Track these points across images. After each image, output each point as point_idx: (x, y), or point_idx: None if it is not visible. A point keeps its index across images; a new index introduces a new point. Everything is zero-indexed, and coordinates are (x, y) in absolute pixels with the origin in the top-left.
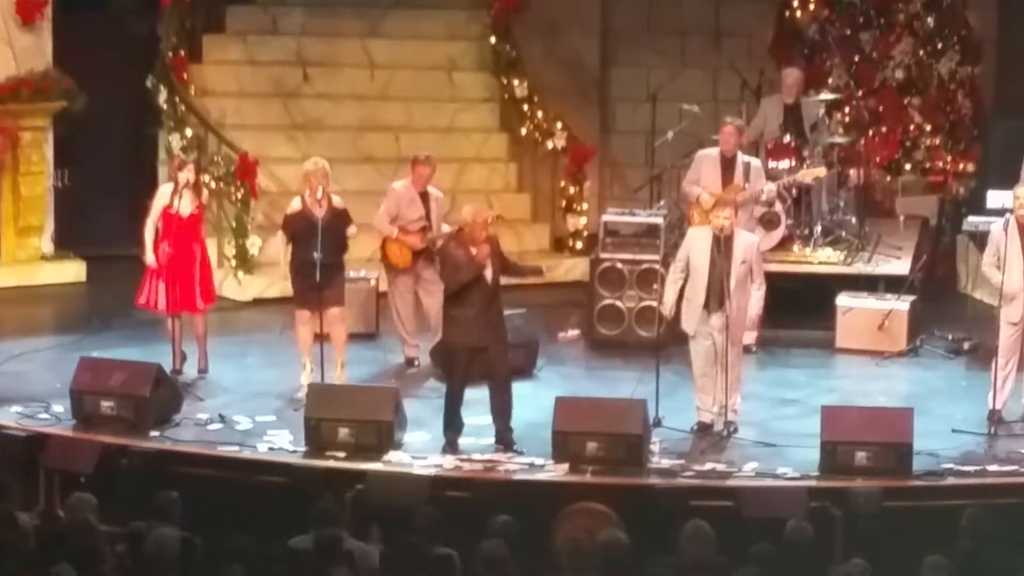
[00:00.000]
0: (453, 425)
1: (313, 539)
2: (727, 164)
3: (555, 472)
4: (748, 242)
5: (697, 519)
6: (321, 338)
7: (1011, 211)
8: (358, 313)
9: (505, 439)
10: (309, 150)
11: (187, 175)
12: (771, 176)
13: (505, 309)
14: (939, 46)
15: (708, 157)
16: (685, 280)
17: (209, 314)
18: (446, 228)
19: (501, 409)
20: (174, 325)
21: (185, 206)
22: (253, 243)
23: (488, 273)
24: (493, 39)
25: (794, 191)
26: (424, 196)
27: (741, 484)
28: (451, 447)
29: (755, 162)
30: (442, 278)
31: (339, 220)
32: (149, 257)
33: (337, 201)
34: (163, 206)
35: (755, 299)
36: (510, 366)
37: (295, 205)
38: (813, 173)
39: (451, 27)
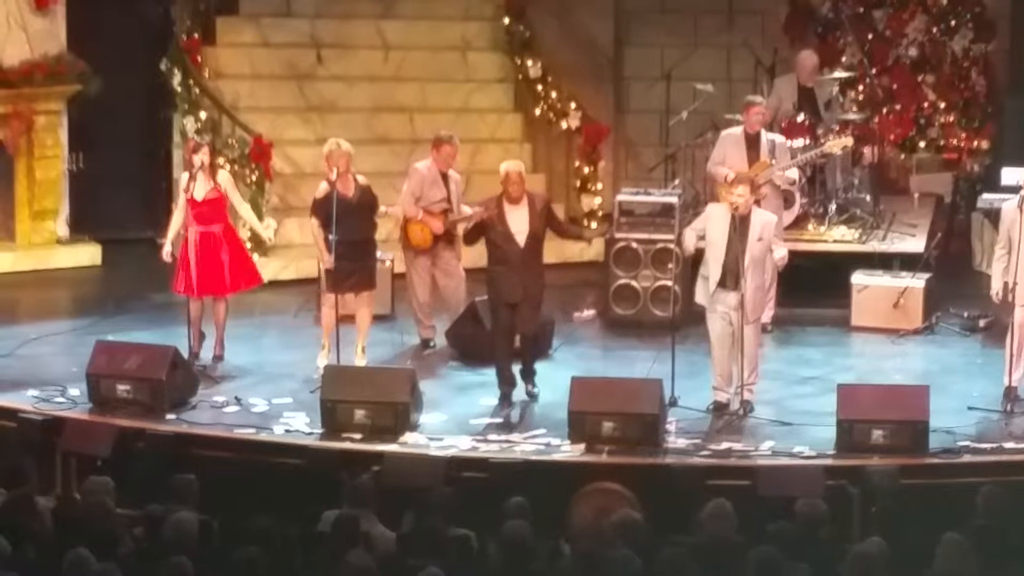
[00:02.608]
0: (504, 378)
1: (331, 521)
2: (751, 142)
3: (571, 452)
4: (766, 220)
5: (720, 498)
6: (338, 320)
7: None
8: (375, 294)
9: (527, 389)
10: (323, 132)
11: (201, 158)
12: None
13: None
14: (952, 23)
15: (732, 137)
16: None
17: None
18: (467, 210)
19: (524, 364)
20: (193, 307)
21: (199, 190)
22: (268, 225)
23: (520, 235)
24: (507, 19)
25: (808, 170)
26: (444, 177)
27: (757, 463)
28: (505, 400)
29: (780, 139)
30: None
31: (367, 198)
32: (164, 250)
33: (362, 180)
34: (185, 191)
35: (779, 254)
36: (538, 325)
37: (322, 188)
38: (840, 143)
39: (465, 7)
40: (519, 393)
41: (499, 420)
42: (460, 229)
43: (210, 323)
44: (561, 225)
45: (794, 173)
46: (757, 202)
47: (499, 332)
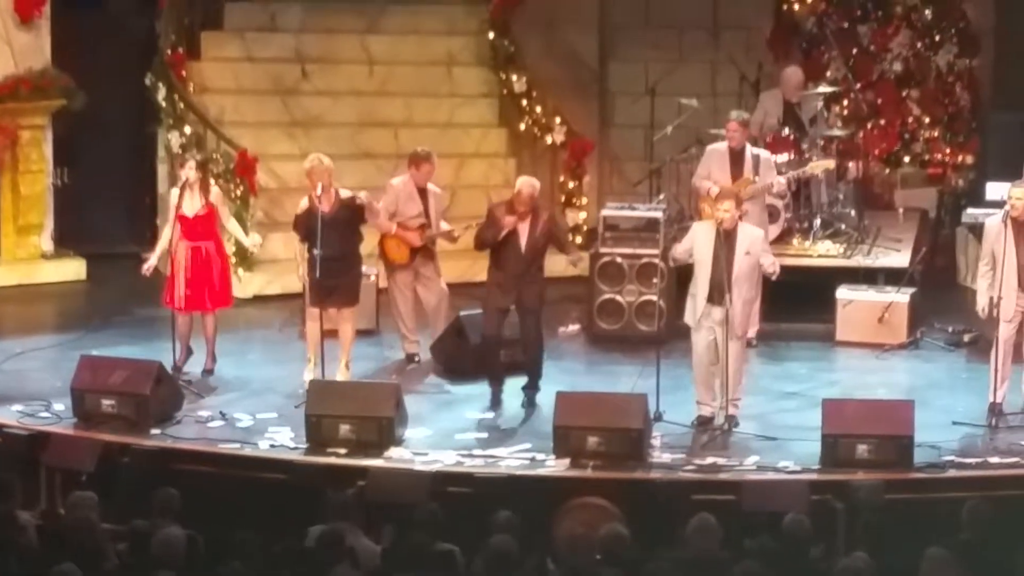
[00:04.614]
0: (492, 377)
1: (315, 536)
2: (736, 158)
3: (556, 467)
4: (754, 235)
5: (704, 513)
6: (323, 334)
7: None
8: (358, 309)
9: (529, 393)
10: (308, 147)
11: (187, 173)
12: None
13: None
14: (937, 38)
15: (717, 152)
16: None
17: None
18: (445, 226)
19: (528, 365)
20: (180, 322)
21: (190, 206)
22: (254, 242)
23: (522, 242)
24: (491, 34)
25: (793, 184)
26: (423, 192)
27: (742, 478)
28: (493, 398)
29: (764, 154)
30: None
31: (346, 213)
32: (146, 265)
33: (345, 194)
34: (175, 208)
35: (768, 261)
36: (539, 334)
37: (303, 204)
38: (822, 165)
39: (449, 22)
40: (510, 397)
41: (488, 416)
42: (439, 244)
43: (199, 338)
44: (560, 241)
45: (783, 186)
46: (740, 217)
47: (487, 338)
